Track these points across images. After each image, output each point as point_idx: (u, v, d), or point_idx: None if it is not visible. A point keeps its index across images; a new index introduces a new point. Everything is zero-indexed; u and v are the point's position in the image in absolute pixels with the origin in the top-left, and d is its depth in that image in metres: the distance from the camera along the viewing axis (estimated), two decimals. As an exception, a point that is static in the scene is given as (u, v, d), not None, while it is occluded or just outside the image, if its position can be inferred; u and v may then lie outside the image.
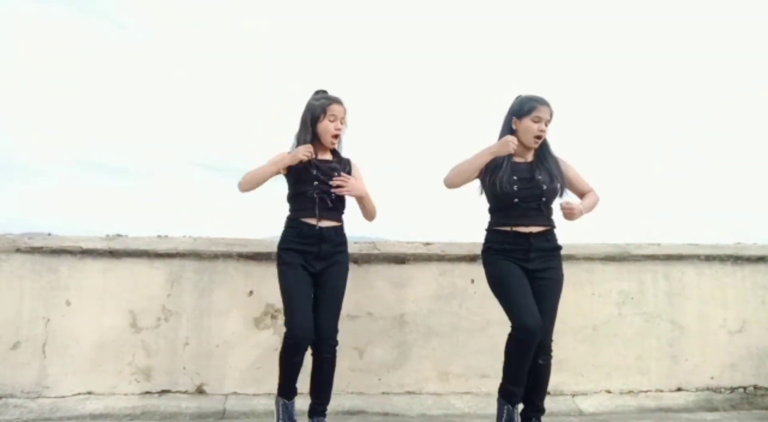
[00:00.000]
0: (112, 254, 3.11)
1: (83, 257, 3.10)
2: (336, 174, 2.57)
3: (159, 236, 3.19)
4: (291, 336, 2.45)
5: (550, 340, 2.56)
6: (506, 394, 2.54)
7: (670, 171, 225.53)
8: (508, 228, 2.54)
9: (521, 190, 2.52)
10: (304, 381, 2.58)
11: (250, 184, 2.59)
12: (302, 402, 2.68)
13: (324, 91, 2.67)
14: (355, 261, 3.23)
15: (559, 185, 2.59)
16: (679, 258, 3.46)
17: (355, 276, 3.25)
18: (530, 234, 2.52)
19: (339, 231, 2.62)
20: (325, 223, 2.56)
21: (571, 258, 3.37)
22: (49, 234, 3.14)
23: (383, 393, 3.18)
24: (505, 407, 2.52)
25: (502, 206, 2.57)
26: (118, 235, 3.16)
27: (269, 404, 3.05)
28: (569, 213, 2.56)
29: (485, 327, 3.26)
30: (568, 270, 3.34)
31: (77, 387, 3.02)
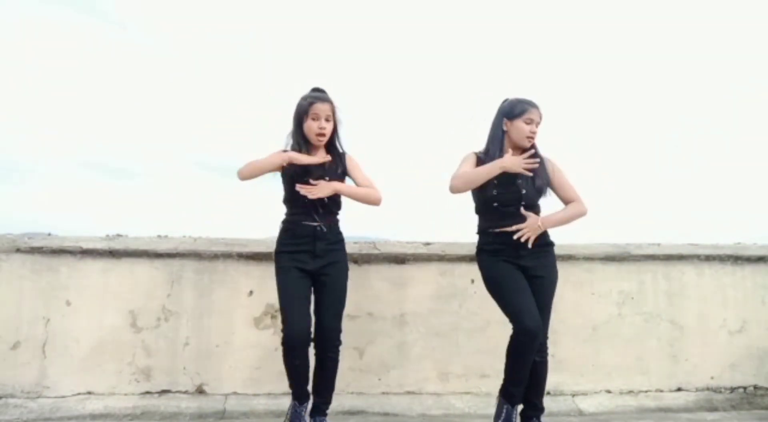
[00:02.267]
0: (112, 254, 3.11)
1: (83, 257, 3.10)
2: (326, 178, 2.57)
3: (159, 236, 3.19)
4: (287, 340, 2.46)
5: (546, 338, 2.57)
6: (507, 395, 2.55)
7: (670, 171, 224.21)
8: (498, 230, 2.55)
9: (500, 194, 2.53)
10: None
11: (250, 173, 2.60)
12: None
13: (317, 89, 2.67)
14: (355, 261, 3.23)
15: (541, 186, 2.58)
16: (679, 258, 3.46)
17: (355, 276, 3.25)
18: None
19: (333, 228, 2.63)
20: (320, 223, 2.57)
21: (571, 258, 3.38)
22: (49, 234, 3.14)
23: (383, 393, 3.18)
24: (505, 407, 2.53)
25: (484, 209, 2.62)
26: (118, 235, 3.16)
27: (269, 404, 3.05)
28: (525, 233, 2.49)
29: (485, 327, 3.26)
30: (568, 270, 3.37)
31: (77, 387, 3.03)
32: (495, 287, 2.56)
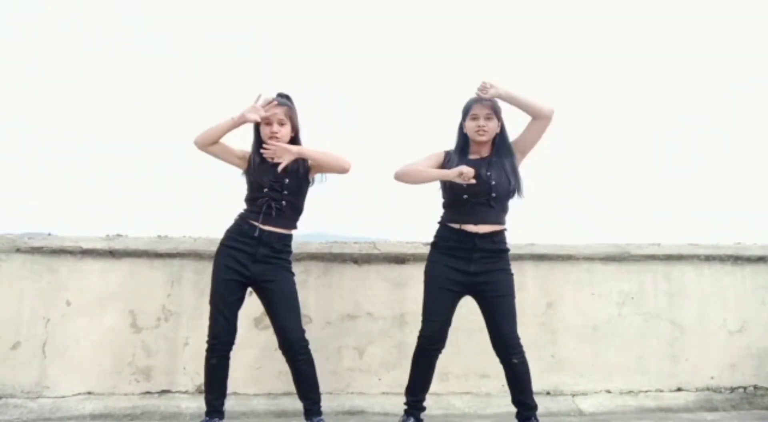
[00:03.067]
0: (112, 254, 3.11)
1: (83, 257, 3.10)
2: (286, 180, 2.58)
3: (159, 236, 3.19)
4: (208, 338, 2.52)
5: (516, 339, 2.58)
6: (412, 406, 2.63)
7: (670, 171, 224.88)
8: (456, 226, 2.57)
9: (470, 186, 2.53)
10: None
11: (203, 137, 2.61)
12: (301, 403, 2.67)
13: (279, 95, 2.67)
14: (355, 261, 3.23)
15: (513, 183, 2.58)
16: (679, 258, 3.46)
17: (355, 276, 3.26)
18: (476, 234, 2.54)
19: (282, 238, 2.60)
20: (268, 228, 2.56)
21: (571, 258, 3.38)
22: (49, 234, 3.14)
23: (383, 393, 3.18)
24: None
25: (453, 202, 2.61)
26: (118, 235, 3.16)
27: (269, 404, 3.05)
28: (482, 88, 2.54)
29: (485, 327, 3.24)
30: (568, 270, 3.38)
31: (77, 387, 3.02)
32: (425, 286, 2.63)
